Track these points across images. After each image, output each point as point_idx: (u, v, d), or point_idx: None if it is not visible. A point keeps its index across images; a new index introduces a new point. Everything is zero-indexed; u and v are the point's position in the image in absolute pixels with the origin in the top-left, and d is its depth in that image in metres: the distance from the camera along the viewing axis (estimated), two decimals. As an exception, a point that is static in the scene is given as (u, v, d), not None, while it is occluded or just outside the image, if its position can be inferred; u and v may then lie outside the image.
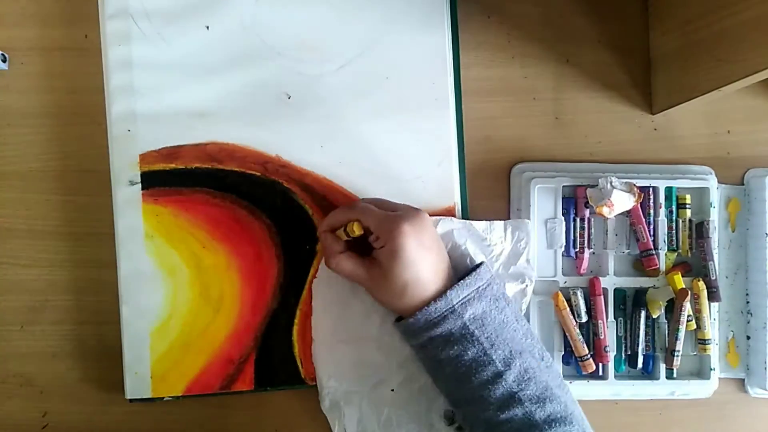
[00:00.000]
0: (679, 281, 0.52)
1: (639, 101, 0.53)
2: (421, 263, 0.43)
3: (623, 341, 0.53)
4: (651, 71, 0.55)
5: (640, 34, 0.55)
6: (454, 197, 0.51)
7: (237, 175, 0.50)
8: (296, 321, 0.50)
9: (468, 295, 0.43)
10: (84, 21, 0.52)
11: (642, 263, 0.53)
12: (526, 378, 0.43)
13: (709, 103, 0.55)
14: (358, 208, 0.45)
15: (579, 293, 0.52)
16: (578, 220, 0.52)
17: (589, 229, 0.53)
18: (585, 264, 0.53)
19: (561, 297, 0.51)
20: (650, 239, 0.52)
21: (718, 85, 0.46)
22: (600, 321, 0.51)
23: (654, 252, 0.52)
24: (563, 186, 0.52)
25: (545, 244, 0.52)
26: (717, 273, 0.52)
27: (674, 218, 0.53)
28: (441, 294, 0.43)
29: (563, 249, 0.52)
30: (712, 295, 0.52)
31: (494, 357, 0.42)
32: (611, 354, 0.51)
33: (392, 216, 0.43)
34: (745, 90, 0.46)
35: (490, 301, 0.44)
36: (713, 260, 0.52)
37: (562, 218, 0.52)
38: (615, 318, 0.52)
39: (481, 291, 0.44)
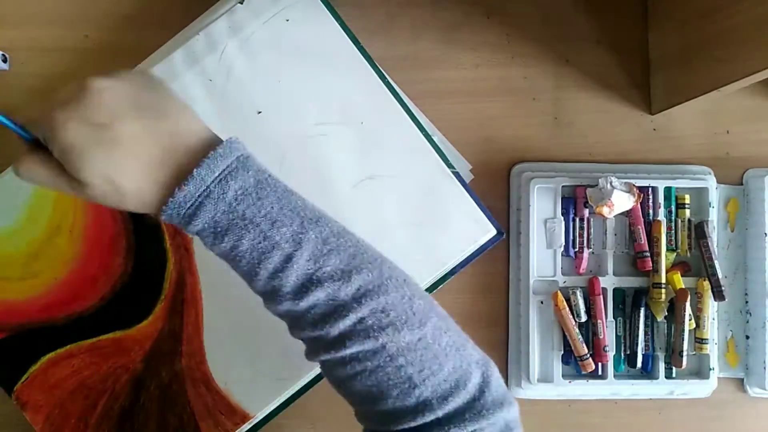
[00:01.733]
0: (679, 281, 0.52)
1: (638, 101, 0.53)
2: (109, 147, 0.31)
3: (622, 341, 0.53)
4: (650, 71, 0.55)
5: (640, 34, 0.55)
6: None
7: None
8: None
9: (227, 168, 0.33)
10: (84, 21, 0.53)
11: (637, 264, 0.53)
12: (325, 251, 0.34)
13: (708, 103, 0.55)
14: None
15: (578, 293, 0.52)
16: (577, 219, 0.53)
17: (589, 229, 0.53)
18: (584, 264, 0.53)
19: (560, 296, 0.51)
20: (646, 241, 0.52)
21: (717, 85, 0.46)
22: (599, 321, 0.51)
23: (648, 254, 0.52)
24: (563, 186, 0.52)
25: (545, 243, 0.52)
26: (720, 272, 0.52)
27: (673, 218, 0.53)
28: (186, 176, 0.32)
29: (562, 249, 0.52)
30: (717, 294, 0.52)
31: (278, 238, 0.33)
32: (610, 353, 0.52)
33: (43, 107, 0.32)
34: (744, 90, 0.46)
35: (260, 171, 0.34)
36: (714, 261, 0.52)
37: (562, 218, 0.52)
38: (614, 318, 0.52)
39: (243, 160, 0.33)
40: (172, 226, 0.49)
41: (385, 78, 0.51)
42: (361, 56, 0.50)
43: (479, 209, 0.50)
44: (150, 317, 0.49)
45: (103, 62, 0.51)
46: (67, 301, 0.49)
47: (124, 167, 0.32)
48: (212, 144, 0.34)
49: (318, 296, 0.34)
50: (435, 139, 0.51)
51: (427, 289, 0.50)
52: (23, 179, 0.34)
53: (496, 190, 0.54)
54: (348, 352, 0.34)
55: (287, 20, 0.50)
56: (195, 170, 0.32)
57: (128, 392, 0.49)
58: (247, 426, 0.49)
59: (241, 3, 0.49)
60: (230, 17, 0.50)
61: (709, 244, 0.52)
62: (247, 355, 0.49)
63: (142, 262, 0.49)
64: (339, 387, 0.37)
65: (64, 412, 0.48)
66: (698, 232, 0.53)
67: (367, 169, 0.50)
